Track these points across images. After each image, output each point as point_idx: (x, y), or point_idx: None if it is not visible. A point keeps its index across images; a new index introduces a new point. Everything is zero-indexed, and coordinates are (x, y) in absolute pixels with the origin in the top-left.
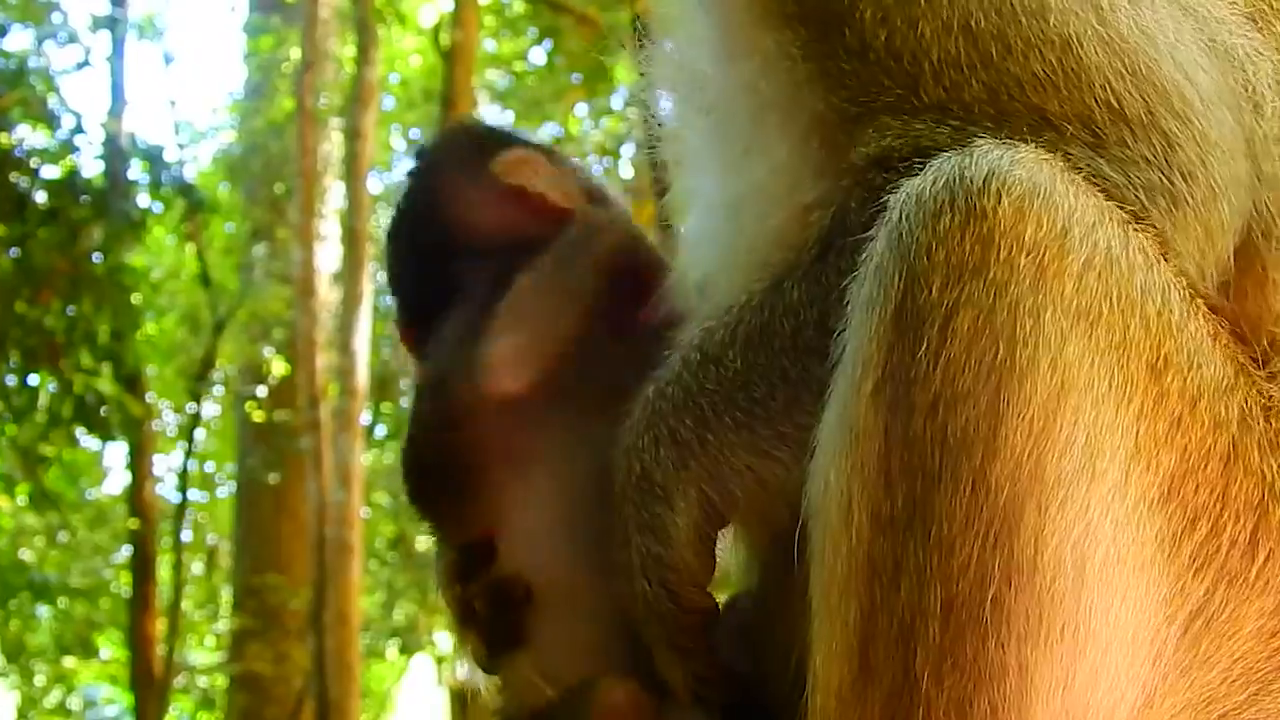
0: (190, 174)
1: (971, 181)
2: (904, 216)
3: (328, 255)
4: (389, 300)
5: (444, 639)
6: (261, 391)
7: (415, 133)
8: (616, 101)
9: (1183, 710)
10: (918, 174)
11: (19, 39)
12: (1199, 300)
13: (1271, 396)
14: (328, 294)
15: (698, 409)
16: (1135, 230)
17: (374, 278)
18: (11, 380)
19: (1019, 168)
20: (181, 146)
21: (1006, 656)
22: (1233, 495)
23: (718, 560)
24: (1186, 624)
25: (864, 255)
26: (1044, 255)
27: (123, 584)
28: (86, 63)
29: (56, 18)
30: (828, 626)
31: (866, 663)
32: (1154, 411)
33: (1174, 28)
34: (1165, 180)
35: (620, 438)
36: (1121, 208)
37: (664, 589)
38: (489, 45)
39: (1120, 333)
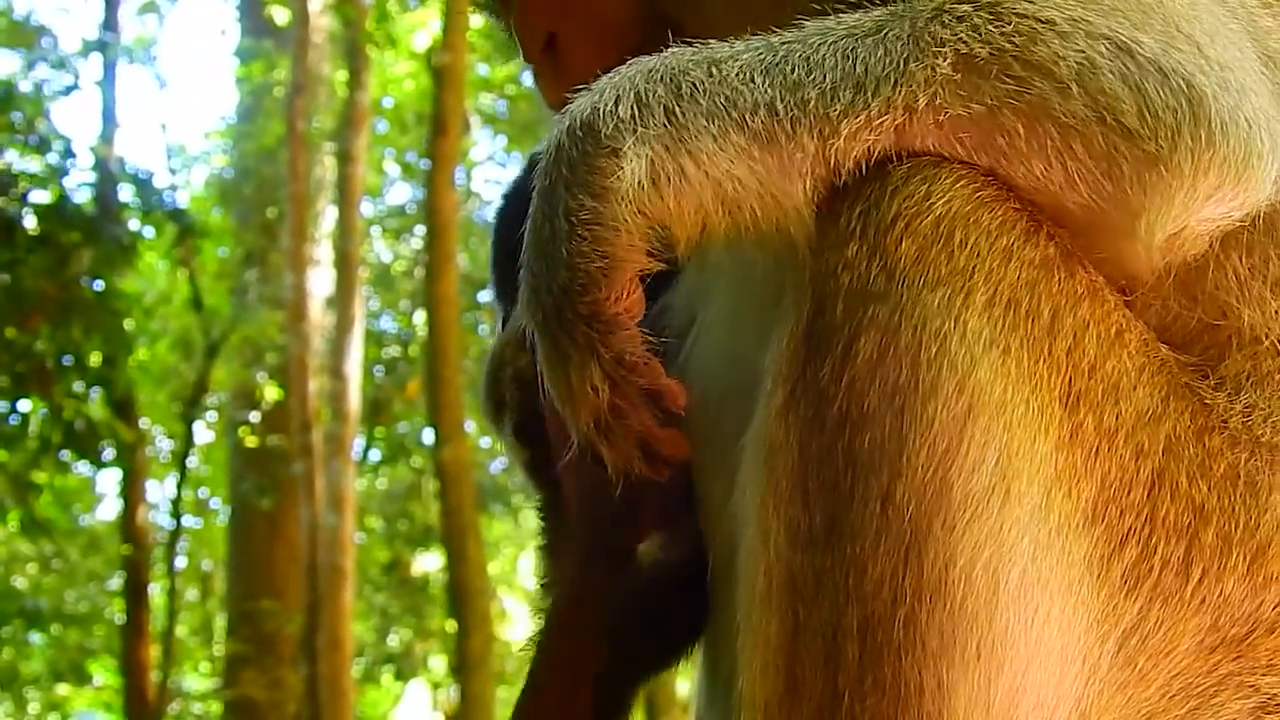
0: (182, 198)
1: (882, 215)
2: (819, 239)
3: (320, 280)
4: (378, 325)
5: (438, 664)
6: (254, 417)
7: (409, 156)
8: None
9: None
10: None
11: (8, 62)
12: (1130, 332)
13: (1212, 410)
14: (320, 318)
15: (676, 86)
16: (1061, 270)
17: (366, 302)
18: (2, 406)
19: (934, 198)
20: (173, 171)
21: (925, 675)
22: (1161, 519)
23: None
24: (1121, 642)
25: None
26: (949, 289)
27: (116, 610)
28: (76, 87)
29: (46, 41)
30: (753, 643)
31: (793, 681)
32: (1070, 443)
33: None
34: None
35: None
36: (1057, 233)
37: (597, 246)
38: (482, 69)
39: (1029, 367)
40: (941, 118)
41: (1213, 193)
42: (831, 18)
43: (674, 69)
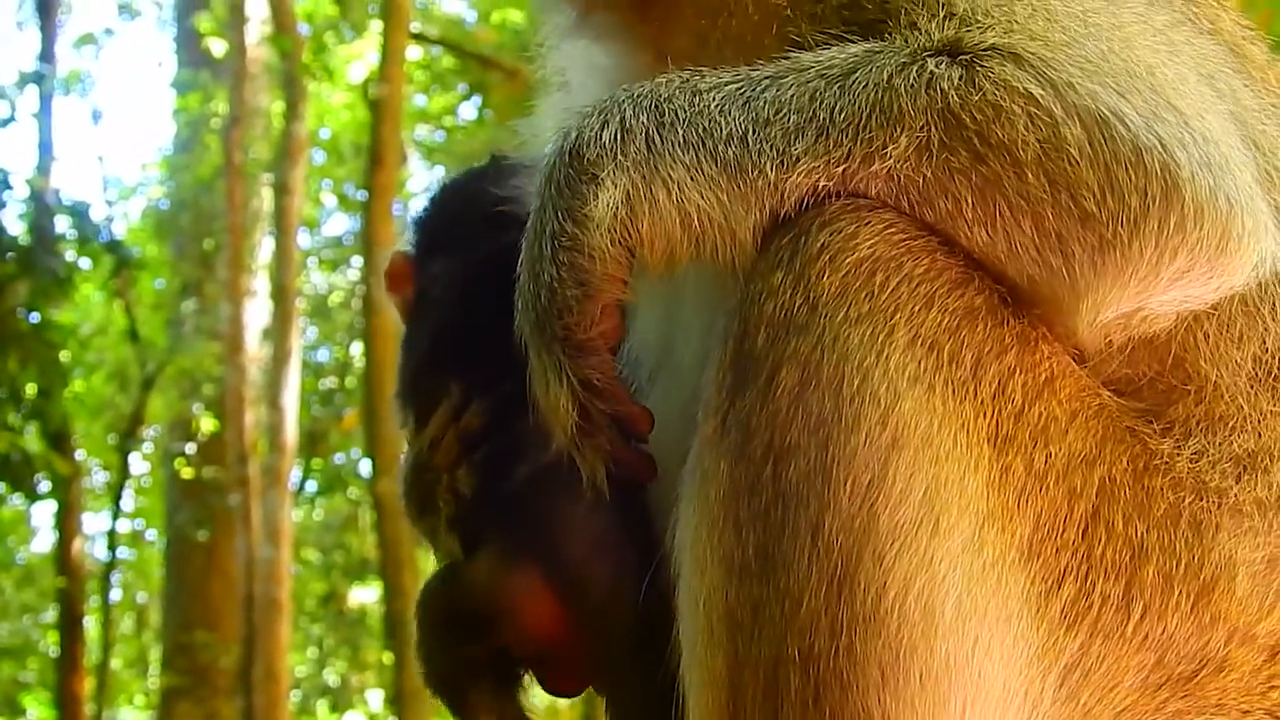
0: (118, 230)
1: (809, 246)
2: (751, 266)
3: (257, 311)
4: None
5: (375, 697)
6: (190, 448)
7: (346, 188)
8: None
9: None
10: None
11: None
12: (1068, 376)
13: (1156, 454)
14: (257, 350)
15: (659, 113)
16: (987, 319)
17: (303, 333)
18: None
19: (861, 238)
20: (109, 203)
21: (869, 705)
22: (1098, 557)
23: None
24: (1063, 677)
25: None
26: (870, 323)
27: (50, 643)
28: (13, 119)
29: None
30: (697, 675)
31: (738, 713)
32: (1001, 482)
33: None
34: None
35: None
36: (992, 288)
37: (573, 273)
38: (419, 100)
39: (955, 407)
40: (891, 173)
41: (1180, 276)
42: (809, 55)
43: (660, 96)
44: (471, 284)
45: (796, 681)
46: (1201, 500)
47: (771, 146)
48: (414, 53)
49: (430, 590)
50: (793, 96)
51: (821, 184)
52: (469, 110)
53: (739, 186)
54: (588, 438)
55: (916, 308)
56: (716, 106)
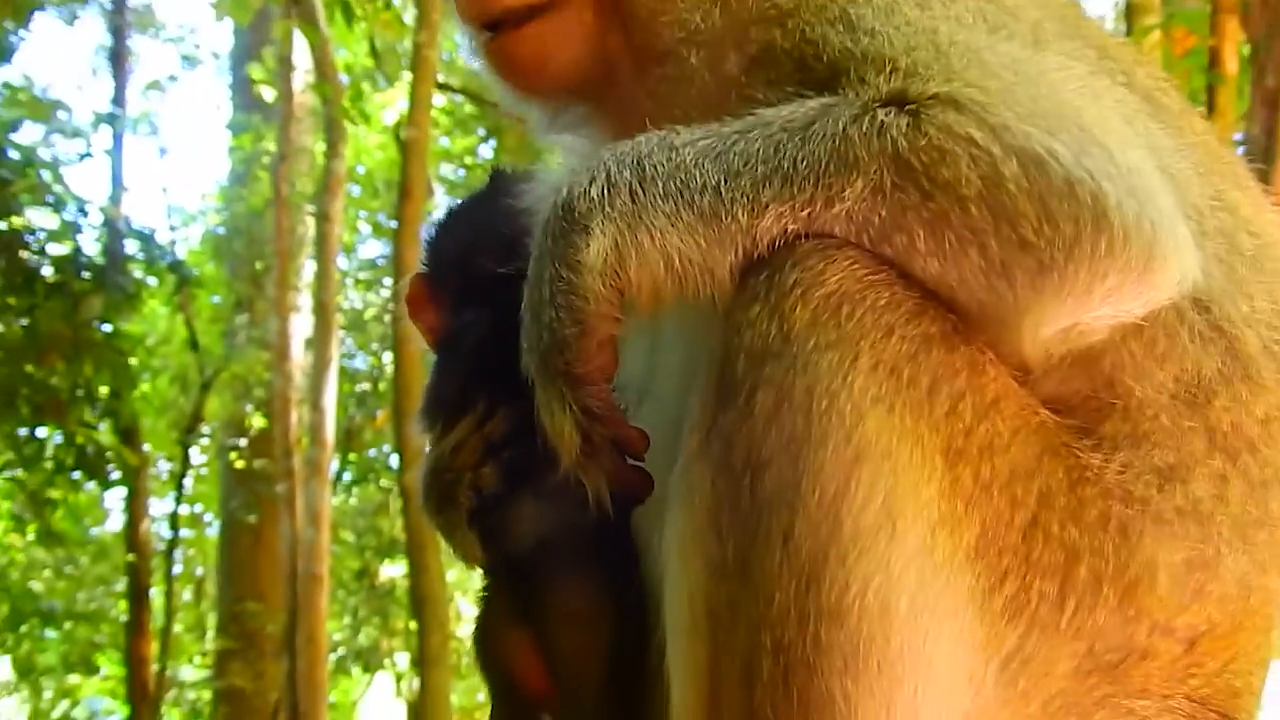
0: (180, 252)
1: (783, 282)
2: (731, 301)
3: (301, 324)
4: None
5: (402, 659)
6: (242, 443)
7: (379, 217)
8: None
9: None
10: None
11: (29, 133)
12: (1011, 398)
13: (1088, 466)
14: (301, 358)
15: (640, 169)
16: (941, 345)
17: (341, 343)
18: (22, 433)
19: (828, 274)
20: (173, 228)
21: (832, 689)
22: (1036, 558)
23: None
24: (1003, 665)
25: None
26: (837, 350)
27: (120, 610)
28: (88, 154)
29: (63, 114)
30: (681, 663)
31: (716, 698)
32: (951, 492)
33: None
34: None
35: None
36: (944, 316)
37: (570, 314)
38: (444, 141)
39: (911, 425)
40: (850, 213)
41: (1111, 293)
42: (772, 110)
43: (641, 154)
44: (494, 326)
45: (769, 668)
46: (1128, 508)
47: (743, 194)
48: (439, 100)
49: (477, 620)
50: (759, 149)
51: (790, 226)
52: (486, 151)
53: (715, 231)
54: (591, 459)
55: (878, 336)
56: (691, 160)
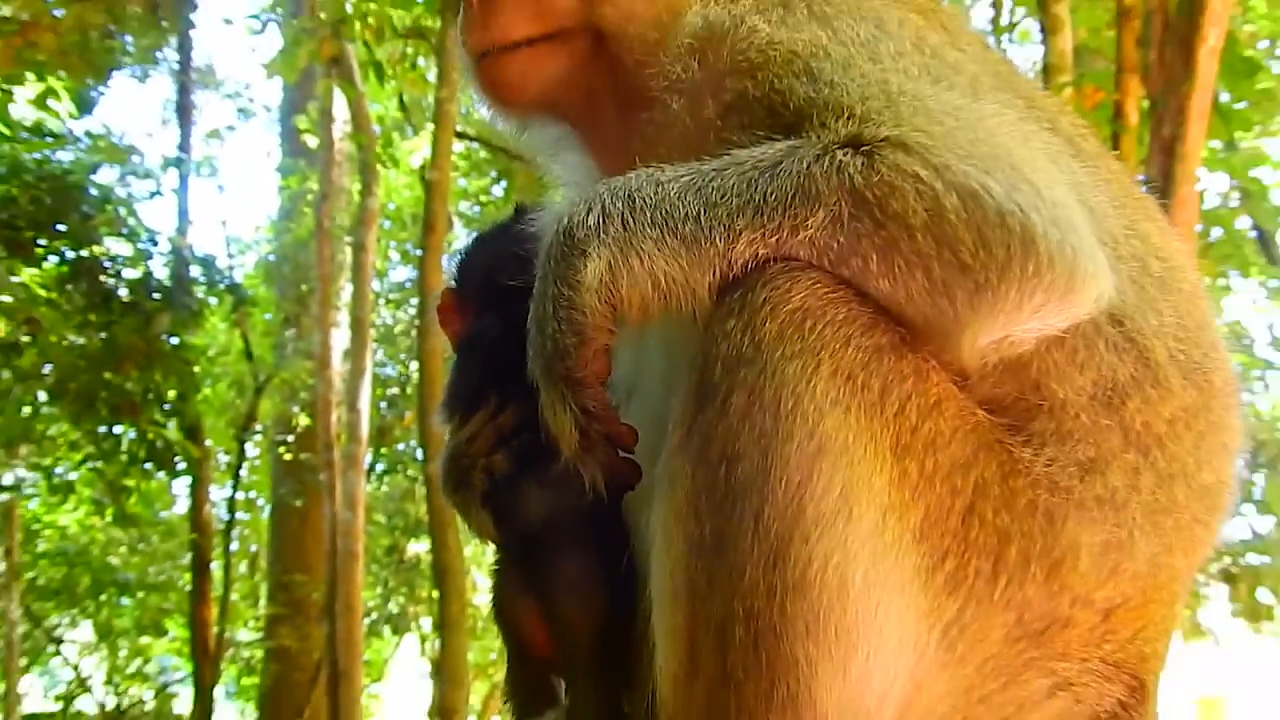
0: (237, 276)
1: (754, 299)
2: (710, 316)
3: (340, 337)
4: (382, 372)
5: (425, 623)
6: (290, 438)
7: (406, 246)
8: None
9: (946, 695)
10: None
11: (107, 174)
12: (951, 400)
13: (1018, 460)
14: (339, 366)
15: (630, 201)
16: (891, 354)
17: (373, 354)
18: (101, 430)
19: (794, 292)
20: (230, 255)
21: (795, 653)
22: (973, 540)
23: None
24: (944, 632)
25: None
26: (801, 359)
27: (185, 581)
28: (158, 192)
29: (136, 158)
30: (664, 629)
31: (694, 658)
32: (899, 482)
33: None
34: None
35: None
36: (894, 328)
37: (570, 326)
38: (461, 183)
39: (865, 424)
40: (813, 240)
41: (1038, 309)
42: (745, 150)
43: (631, 188)
44: (506, 331)
45: (741, 633)
46: (1053, 497)
47: (720, 223)
48: (458, 147)
49: (493, 590)
50: (734, 184)
51: (760, 251)
52: (498, 190)
53: (696, 255)
54: (588, 451)
55: (837, 346)
56: (675, 193)
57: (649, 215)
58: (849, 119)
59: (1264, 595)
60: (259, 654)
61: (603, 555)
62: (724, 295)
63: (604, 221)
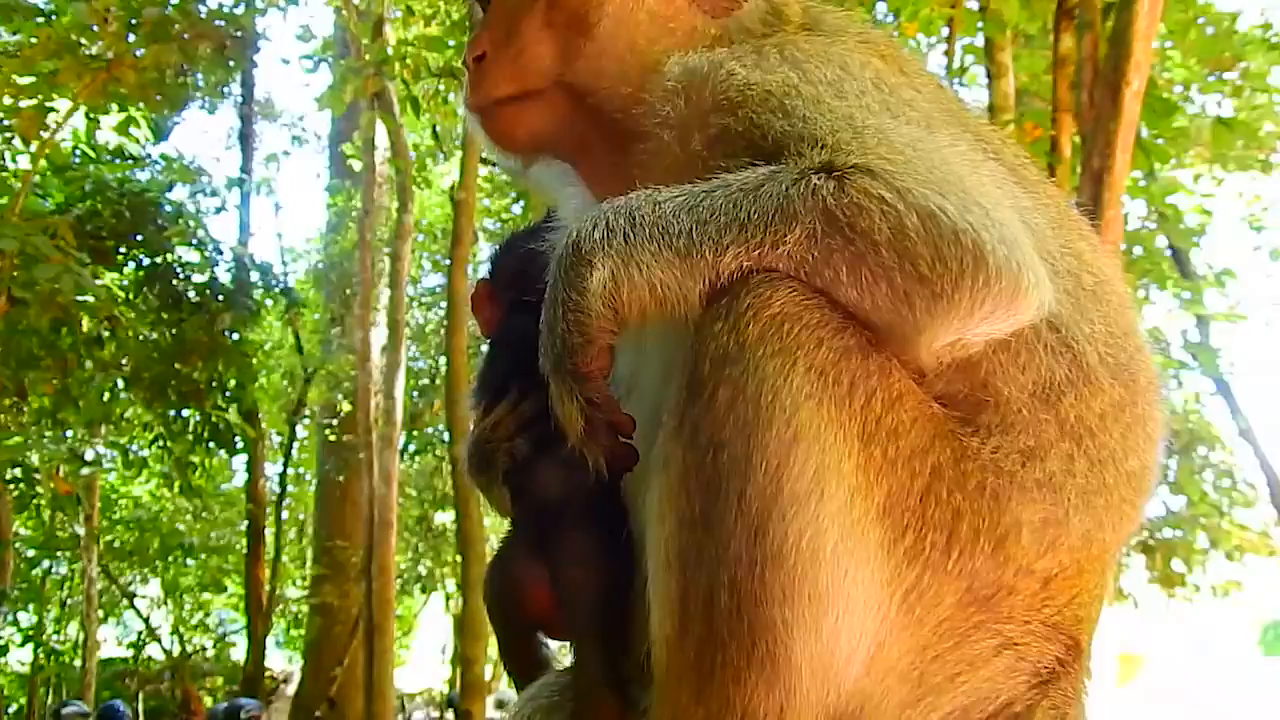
0: (290, 281)
1: (739, 304)
2: (699, 320)
3: (378, 335)
4: (415, 365)
5: (450, 584)
6: (334, 422)
7: (437, 257)
8: None
9: (906, 653)
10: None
11: (179, 192)
12: (911, 394)
13: (969, 448)
14: (378, 360)
15: (631, 218)
16: (858, 354)
17: (408, 350)
18: (171, 414)
19: (774, 299)
20: (285, 264)
21: (774, 616)
22: (929, 517)
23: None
24: (904, 597)
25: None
26: (780, 357)
27: (242, 545)
28: (223, 208)
29: (204, 179)
30: (658, 595)
31: (685, 621)
32: (865, 465)
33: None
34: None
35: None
36: (861, 331)
37: (577, 327)
38: (485, 202)
39: (835, 415)
40: (790, 254)
41: (987, 316)
42: (731, 175)
43: (632, 207)
44: (531, 330)
45: (726, 599)
46: (999, 479)
47: (709, 239)
48: (483, 170)
49: (491, 562)
50: (722, 204)
51: (745, 263)
52: (518, 209)
53: (688, 266)
54: (592, 437)
55: (811, 346)
56: (670, 212)
57: (647, 231)
58: (821, 148)
59: (1177, 565)
60: (305, 609)
61: (605, 529)
62: (713, 302)
63: (608, 236)
